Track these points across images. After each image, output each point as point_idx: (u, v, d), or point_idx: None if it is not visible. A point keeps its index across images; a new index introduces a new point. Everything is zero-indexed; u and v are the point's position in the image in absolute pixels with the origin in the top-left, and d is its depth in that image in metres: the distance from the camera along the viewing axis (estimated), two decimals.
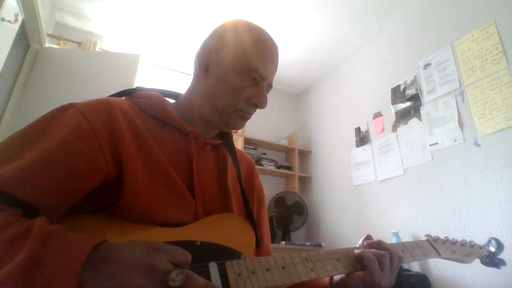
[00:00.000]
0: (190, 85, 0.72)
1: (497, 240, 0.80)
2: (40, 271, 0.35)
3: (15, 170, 0.44)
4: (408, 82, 2.44)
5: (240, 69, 0.64)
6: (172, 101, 0.74)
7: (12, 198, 0.43)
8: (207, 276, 0.47)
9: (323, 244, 2.86)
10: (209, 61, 0.67)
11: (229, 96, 0.65)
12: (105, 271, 0.37)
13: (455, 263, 0.80)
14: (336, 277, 0.63)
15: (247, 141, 3.27)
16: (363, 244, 0.65)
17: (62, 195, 0.48)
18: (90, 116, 0.53)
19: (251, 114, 0.69)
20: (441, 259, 0.76)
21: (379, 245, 0.63)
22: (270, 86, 0.70)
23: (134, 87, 0.71)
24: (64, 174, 0.48)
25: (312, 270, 0.55)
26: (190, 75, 0.74)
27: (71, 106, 0.54)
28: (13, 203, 0.43)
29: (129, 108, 0.61)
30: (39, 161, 0.46)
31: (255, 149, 3.37)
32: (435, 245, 0.75)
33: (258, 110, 0.70)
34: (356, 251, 0.61)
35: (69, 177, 0.48)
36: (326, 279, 0.65)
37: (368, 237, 0.66)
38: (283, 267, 0.53)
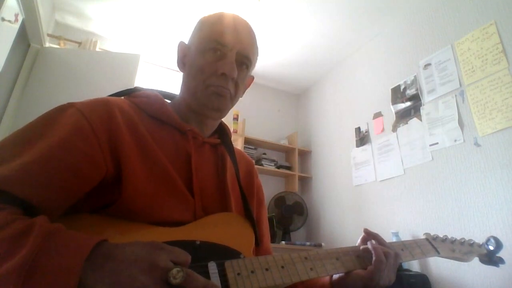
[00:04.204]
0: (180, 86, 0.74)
1: (496, 239, 0.80)
2: (42, 269, 0.35)
3: (15, 169, 0.44)
4: (408, 82, 2.44)
5: (202, 48, 0.66)
6: (169, 101, 0.74)
7: (13, 197, 0.43)
8: (207, 276, 0.47)
9: (323, 244, 2.86)
10: (183, 57, 0.71)
11: (196, 76, 0.66)
12: (106, 268, 0.37)
13: (455, 263, 0.81)
14: (336, 276, 0.63)
15: (247, 141, 3.26)
16: (361, 243, 0.66)
17: (62, 194, 0.48)
18: (89, 115, 0.53)
19: (225, 88, 0.65)
20: (441, 258, 0.76)
21: (376, 237, 0.64)
22: (246, 58, 0.67)
23: (133, 87, 0.72)
24: (64, 172, 0.48)
25: (311, 269, 0.55)
26: None
27: (70, 105, 0.54)
28: (13, 202, 0.44)
29: (128, 107, 0.61)
30: (39, 160, 0.46)
31: (255, 149, 3.37)
32: (434, 244, 0.75)
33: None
34: (369, 245, 0.62)
35: (68, 176, 0.48)
36: (326, 278, 0.65)
37: (365, 237, 0.67)
38: (282, 267, 0.53)
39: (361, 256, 0.63)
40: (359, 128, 2.85)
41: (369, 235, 0.67)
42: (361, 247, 0.64)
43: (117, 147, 0.54)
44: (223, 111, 0.69)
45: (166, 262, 0.39)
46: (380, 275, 0.59)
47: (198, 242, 0.54)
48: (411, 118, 2.35)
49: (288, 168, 3.37)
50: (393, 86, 2.57)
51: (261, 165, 3.20)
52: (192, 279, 0.39)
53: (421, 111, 2.27)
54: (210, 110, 0.66)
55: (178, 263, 0.40)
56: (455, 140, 2.00)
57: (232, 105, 0.70)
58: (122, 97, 0.67)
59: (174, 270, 0.38)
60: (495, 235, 0.82)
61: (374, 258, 0.60)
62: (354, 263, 0.61)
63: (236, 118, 3.23)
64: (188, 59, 0.69)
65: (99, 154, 0.52)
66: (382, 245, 0.64)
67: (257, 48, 0.72)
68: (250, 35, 0.69)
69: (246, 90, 0.76)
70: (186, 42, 0.73)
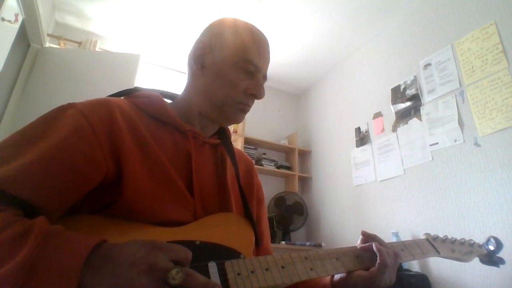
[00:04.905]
0: (186, 85, 0.72)
1: (496, 239, 0.80)
2: (41, 270, 0.35)
3: (15, 170, 0.44)
4: (408, 82, 2.44)
5: (235, 62, 0.65)
6: (169, 101, 0.74)
7: (13, 198, 0.43)
8: (207, 276, 0.46)
9: (323, 244, 2.86)
10: (204, 58, 0.68)
11: (227, 90, 0.66)
12: (106, 269, 0.37)
13: (455, 263, 0.81)
14: (337, 276, 0.63)
15: (247, 141, 3.26)
16: (361, 244, 0.66)
17: (62, 195, 0.48)
18: (89, 116, 0.53)
19: (250, 106, 0.69)
20: (441, 258, 0.76)
21: (375, 239, 0.64)
22: (265, 78, 0.72)
23: (133, 87, 0.72)
24: (64, 173, 0.48)
25: (311, 269, 0.55)
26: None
27: (71, 106, 0.54)
28: (13, 203, 0.44)
29: (128, 108, 0.61)
30: (39, 161, 0.46)
31: (255, 149, 3.37)
32: (434, 244, 0.75)
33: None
34: (374, 247, 0.62)
35: (68, 176, 0.48)
36: (327, 278, 0.65)
37: (364, 240, 0.67)
38: (282, 267, 0.53)
39: (361, 256, 0.63)
40: (359, 128, 2.85)
41: (368, 238, 0.66)
42: (360, 246, 0.64)
43: (118, 148, 0.54)
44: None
45: (165, 263, 0.39)
46: (382, 277, 0.59)
47: (198, 242, 0.54)
48: (411, 118, 2.35)
49: (288, 168, 3.36)
50: (393, 86, 2.57)
51: (261, 165, 3.20)
52: (192, 278, 0.39)
53: (421, 111, 2.27)
54: (230, 122, 0.70)
55: (179, 261, 0.40)
56: (455, 140, 2.00)
57: None
58: (122, 97, 0.67)
59: (174, 271, 0.38)
60: (495, 235, 0.82)
61: (378, 261, 0.59)
62: (354, 263, 0.61)
63: None
64: (212, 64, 0.67)
65: (100, 155, 0.52)
66: (381, 245, 0.64)
67: None
68: (269, 54, 0.72)
69: None
70: (203, 39, 0.70)
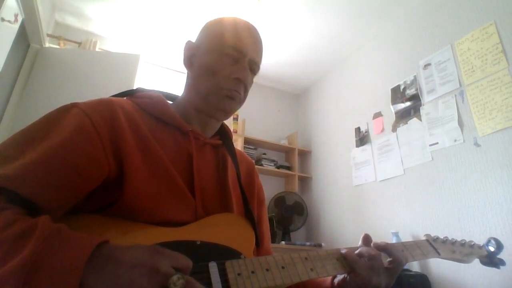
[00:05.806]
0: (184, 86, 0.74)
1: (496, 240, 0.80)
2: (43, 268, 0.36)
3: (18, 169, 0.45)
4: (408, 82, 2.44)
5: (214, 50, 0.67)
6: (171, 103, 0.74)
7: (16, 196, 0.44)
8: (207, 276, 0.47)
9: (323, 244, 2.86)
10: (191, 56, 0.71)
11: (208, 77, 0.66)
12: (107, 269, 0.38)
13: (455, 263, 0.80)
14: (337, 278, 0.63)
15: (247, 141, 3.26)
16: (363, 245, 0.66)
17: (64, 194, 0.49)
18: (92, 116, 0.53)
19: (238, 92, 0.67)
20: (441, 259, 0.76)
21: (380, 247, 0.62)
22: (256, 65, 0.70)
23: (134, 87, 0.72)
24: (67, 172, 0.48)
25: (312, 269, 0.55)
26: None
27: (74, 105, 0.55)
28: (16, 202, 0.44)
29: (130, 108, 0.62)
30: (42, 160, 0.47)
31: (255, 149, 3.37)
32: (434, 245, 0.75)
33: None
34: (342, 251, 0.61)
35: (71, 176, 0.49)
36: (328, 279, 0.65)
37: (366, 237, 0.66)
38: (283, 267, 0.53)
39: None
40: (359, 128, 2.85)
41: (380, 250, 0.62)
42: (343, 251, 0.61)
43: (120, 148, 0.54)
44: (230, 113, 0.70)
45: (167, 268, 0.39)
46: (370, 276, 0.57)
47: (198, 242, 0.54)
48: (411, 118, 2.35)
49: (288, 168, 3.37)
50: (393, 86, 2.57)
51: (261, 165, 3.20)
52: (192, 286, 0.39)
53: (421, 111, 2.27)
54: (220, 111, 0.68)
55: (179, 269, 0.40)
56: (455, 140, 2.00)
57: (239, 107, 0.72)
58: (125, 98, 0.67)
59: (175, 277, 0.38)
60: (495, 235, 0.82)
61: (348, 261, 0.59)
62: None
63: (236, 118, 3.23)
64: (198, 60, 0.69)
65: (102, 154, 0.52)
66: (384, 249, 0.62)
67: (262, 54, 0.75)
68: (261, 44, 0.72)
69: None
70: (193, 41, 0.73)
